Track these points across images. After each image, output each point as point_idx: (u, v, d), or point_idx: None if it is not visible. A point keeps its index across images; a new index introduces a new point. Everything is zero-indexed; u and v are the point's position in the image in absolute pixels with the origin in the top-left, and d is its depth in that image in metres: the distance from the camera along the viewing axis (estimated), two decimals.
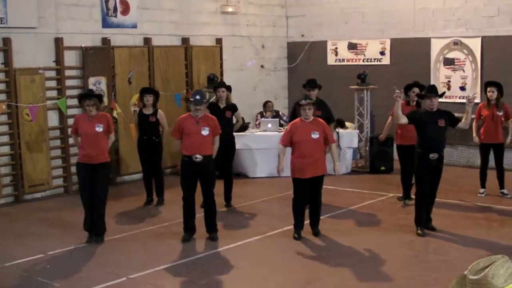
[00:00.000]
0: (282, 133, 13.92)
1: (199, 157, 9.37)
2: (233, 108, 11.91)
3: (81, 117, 9.73)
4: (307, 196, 9.71)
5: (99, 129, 9.54)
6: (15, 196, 12.50)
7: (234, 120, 12.39)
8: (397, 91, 9.67)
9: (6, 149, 12.41)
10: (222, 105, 11.71)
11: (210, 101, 11.11)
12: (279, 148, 9.79)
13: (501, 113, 11.72)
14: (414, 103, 11.64)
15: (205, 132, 9.46)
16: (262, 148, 14.31)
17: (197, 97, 9.49)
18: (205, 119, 9.55)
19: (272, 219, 10.79)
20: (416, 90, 11.63)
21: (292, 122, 9.95)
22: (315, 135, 9.47)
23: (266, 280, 8.09)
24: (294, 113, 11.61)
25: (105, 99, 13.46)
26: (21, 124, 12.41)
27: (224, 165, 11.55)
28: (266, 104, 16.11)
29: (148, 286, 7.83)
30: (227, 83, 15.88)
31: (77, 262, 8.81)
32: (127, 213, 11.45)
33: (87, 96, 9.77)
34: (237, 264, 8.65)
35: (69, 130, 11.57)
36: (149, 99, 11.74)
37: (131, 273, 8.21)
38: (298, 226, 9.73)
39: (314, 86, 11.56)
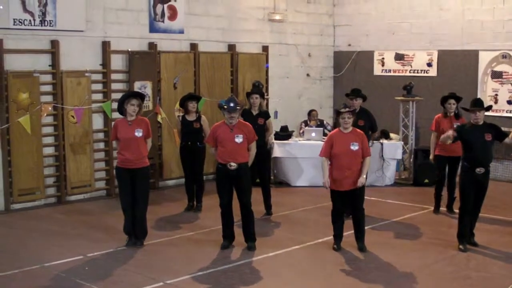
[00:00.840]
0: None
1: (233, 165, 9.33)
2: (265, 115, 11.84)
3: (120, 122, 9.72)
4: (345, 207, 9.61)
5: (139, 133, 9.55)
6: (57, 197, 12.63)
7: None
8: (452, 133, 9.61)
9: (50, 150, 12.55)
10: (255, 112, 11.64)
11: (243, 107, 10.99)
12: (322, 161, 9.63)
13: None
14: (452, 114, 11.54)
15: (238, 139, 9.40)
16: (305, 157, 14.21)
17: (231, 104, 9.43)
18: (239, 126, 9.49)
19: (312, 229, 10.71)
20: (452, 101, 11.62)
21: (331, 132, 9.83)
22: (354, 147, 9.33)
23: None
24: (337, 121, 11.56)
25: (150, 104, 13.59)
26: (66, 126, 12.54)
27: (260, 172, 11.46)
28: (310, 113, 16.04)
29: None
30: (272, 91, 16.09)
31: (115, 265, 8.84)
32: (167, 218, 11.47)
33: (131, 95, 9.76)
34: (274, 273, 8.58)
35: None
36: (194, 105, 11.77)
37: (168, 278, 8.22)
38: (338, 237, 9.64)
39: (357, 95, 11.46)
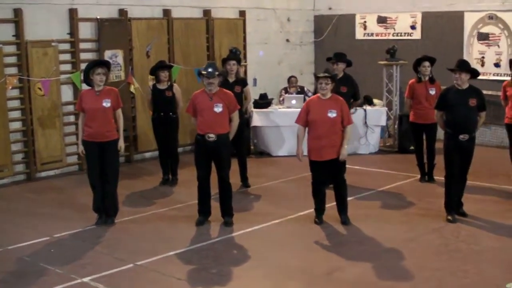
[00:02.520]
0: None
1: (212, 136, 8.80)
2: (243, 82, 11.29)
3: (87, 93, 9.11)
4: (326, 178, 9.10)
5: (107, 104, 8.95)
6: (27, 174, 12.06)
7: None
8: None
9: (17, 125, 11.95)
10: (231, 79, 11.04)
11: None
12: (298, 129, 9.10)
13: None
14: (427, 78, 11.05)
15: (218, 109, 8.84)
16: (286, 126, 13.70)
17: (209, 69, 8.84)
18: (219, 95, 8.91)
19: (293, 202, 10.21)
20: (427, 64, 11.16)
21: (309, 99, 9.28)
22: (332, 114, 8.75)
23: (283, 269, 7.52)
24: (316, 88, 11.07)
25: (122, 74, 13.03)
26: (33, 98, 11.94)
27: (237, 143, 10.69)
28: (290, 80, 15.48)
29: (155, 274, 7.30)
30: (250, 57, 15.53)
31: (83, 246, 8.32)
32: (141, 193, 10.96)
33: (97, 64, 9.15)
34: (252, 251, 8.08)
35: None
36: (166, 74, 11.22)
37: (138, 259, 7.71)
38: (319, 210, 9.14)
39: (340, 59, 10.92)
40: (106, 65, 9.21)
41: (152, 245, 8.23)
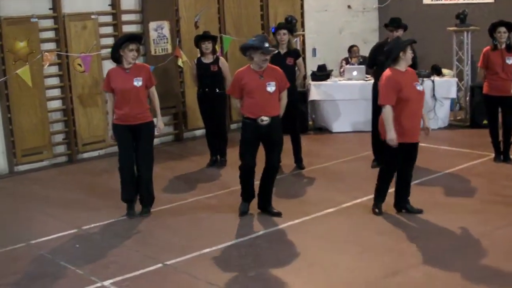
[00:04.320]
0: (368, 82, 12.32)
1: (266, 120, 7.74)
2: (295, 53, 10.24)
3: (115, 71, 8.12)
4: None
5: (138, 83, 8.02)
6: (68, 155, 11.35)
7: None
8: None
9: (56, 104, 11.26)
10: (282, 50, 9.98)
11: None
12: (387, 111, 7.61)
13: None
14: (503, 46, 9.83)
15: (271, 88, 7.78)
16: (346, 99, 12.73)
17: (266, 44, 7.77)
18: (268, 72, 7.86)
19: (352, 185, 9.17)
20: (503, 30, 9.97)
21: (391, 74, 7.66)
22: (420, 87, 7.71)
23: (336, 269, 6.50)
24: (372, 57, 10.02)
25: (169, 46, 12.18)
26: (73, 76, 11.21)
27: (289, 120, 9.56)
28: (351, 49, 14.35)
29: (185, 277, 6.40)
30: (308, 26, 14.46)
31: (111, 240, 7.49)
32: (185, 177, 10.12)
33: (129, 39, 8.22)
34: (300, 247, 7.05)
35: None
36: (208, 46, 10.27)
37: (169, 258, 6.81)
38: (383, 198, 8.03)
39: (398, 25, 9.82)
40: (139, 40, 8.28)
41: (186, 241, 7.33)
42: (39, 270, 6.76)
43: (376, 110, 8.59)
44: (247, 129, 7.92)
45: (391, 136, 7.51)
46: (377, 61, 9.60)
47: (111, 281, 6.33)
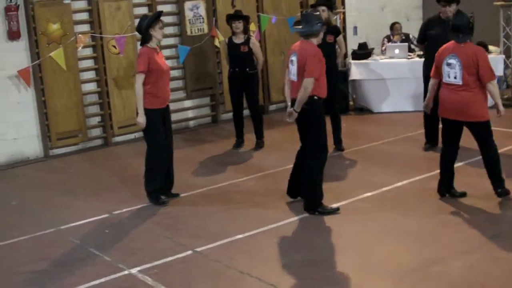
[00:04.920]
0: (412, 60, 11.88)
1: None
2: (335, 31, 9.90)
3: (150, 51, 7.73)
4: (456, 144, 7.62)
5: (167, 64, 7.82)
6: (103, 138, 11.19)
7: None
8: None
9: (91, 87, 11.07)
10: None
11: None
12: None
13: None
14: None
15: None
16: (388, 78, 12.31)
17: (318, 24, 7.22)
18: None
19: (393, 168, 8.79)
20: None
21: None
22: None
23: (373, 256, 6.17)
24: (423, 33, 9.55)
25: (205, 26, 11.90)
26: (107, 57, 11.00)
27: (330, 99, 8.61)
28: (393, 26, 13.85)
29: (216, 265, 6.13)
30: (349, 3, 14.03)
31: (142, 226, 7.28)
32: (219, 159, 9.88)
33: (159, 16, 7.88)
34: (337, 233, 6.77)
35: None
36: (239, 26, 10.03)
37: (200, 244, 6.57)
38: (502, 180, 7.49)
39: (452, 0, 9.29)
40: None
41: (218, 226, 7.07)
42: (66, 256, 6.59)
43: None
44: (320, 111, 7.28)
45: (502, 109, 7.49)
46: (427, 36, 9.22)
47: (138, 268, 6.11)
